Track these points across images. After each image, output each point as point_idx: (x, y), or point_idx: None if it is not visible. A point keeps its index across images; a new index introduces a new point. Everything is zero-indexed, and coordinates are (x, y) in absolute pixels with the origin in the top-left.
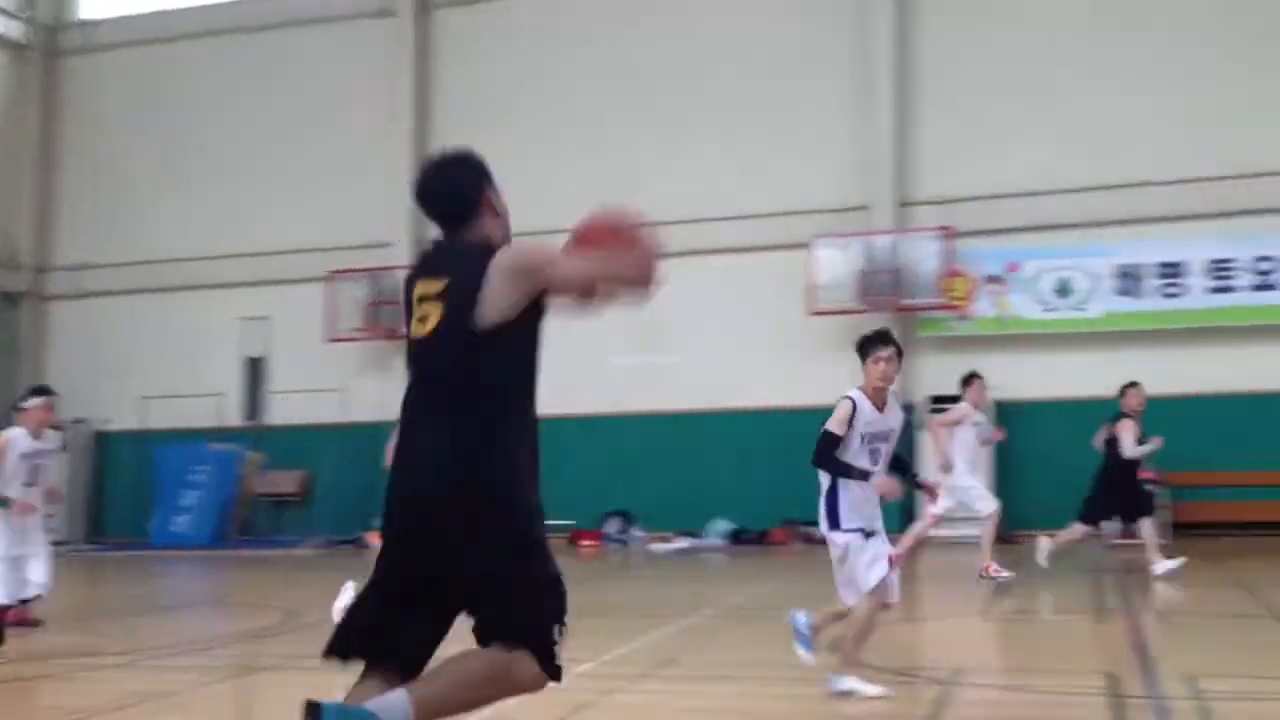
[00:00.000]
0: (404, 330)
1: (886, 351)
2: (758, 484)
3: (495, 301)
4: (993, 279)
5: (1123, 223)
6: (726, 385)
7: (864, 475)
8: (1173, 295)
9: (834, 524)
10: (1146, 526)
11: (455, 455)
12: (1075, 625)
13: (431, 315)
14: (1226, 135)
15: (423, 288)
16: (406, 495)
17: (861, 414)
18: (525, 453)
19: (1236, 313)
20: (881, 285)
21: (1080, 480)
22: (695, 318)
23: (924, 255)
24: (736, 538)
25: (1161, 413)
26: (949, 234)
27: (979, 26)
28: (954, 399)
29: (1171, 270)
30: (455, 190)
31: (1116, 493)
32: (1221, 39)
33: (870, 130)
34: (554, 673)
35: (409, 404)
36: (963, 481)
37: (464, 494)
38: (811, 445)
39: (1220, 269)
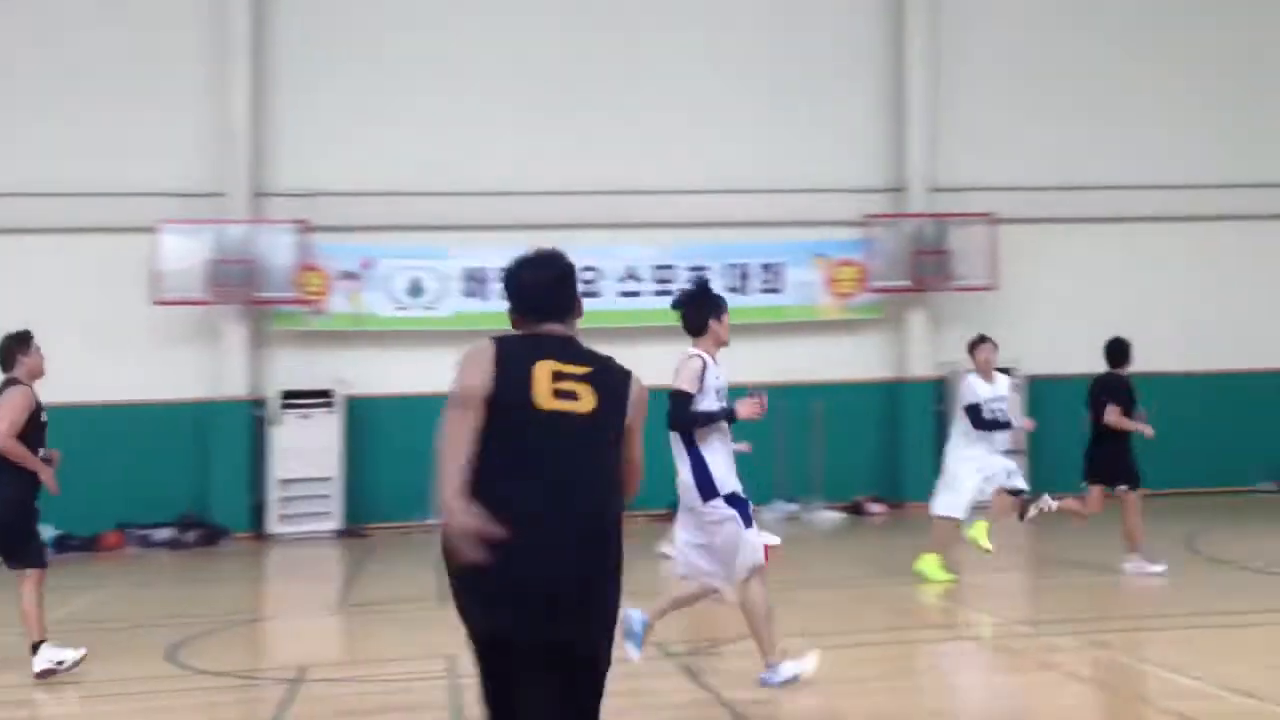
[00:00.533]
0: None
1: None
2: (88, 485)
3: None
4: (348, 275)
5: (472, 228)
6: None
7: (730, 414)
8: None
9: (710, 493)
10: None
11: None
12: (419, 612)
13: (584, 395)
14: (590, 148)
15: (557, 366)
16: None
17: (710, 369)
18: None
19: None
20: (233, 276)
21: (421, 471)
22: (16, 303)
23: (279, 248)
24: (61, 544)
25: None
26: (305, 228)
27: (338, 22)
28: (310, 394)
29: None
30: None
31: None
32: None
33: (224, 115)
34: None
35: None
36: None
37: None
38: (146, 442)
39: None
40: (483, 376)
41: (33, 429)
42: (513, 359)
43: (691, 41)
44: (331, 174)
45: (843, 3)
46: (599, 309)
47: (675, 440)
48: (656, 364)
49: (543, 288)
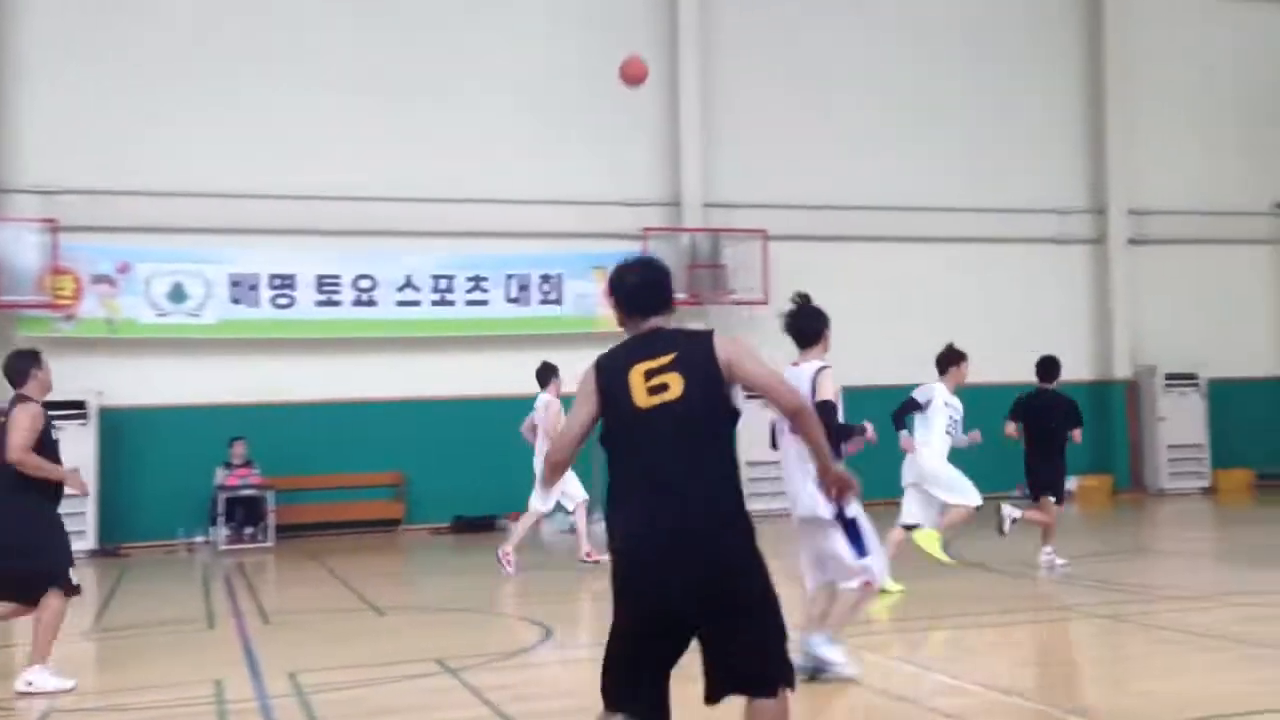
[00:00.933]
0: None
1: None
2: None
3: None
4: (102, 279)
5: (242, 232)
6: None
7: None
8: (284, 306)
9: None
10: None
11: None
12: (184, 635)
13: (673, 383)
14: (372, 155)
15: (647, 364)
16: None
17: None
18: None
19: (341, 325)
20: None
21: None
22: None
23: (24, 248)
24: None
25: (263, 420)
26: (53, 227)
27: (91, 8)
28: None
29: (283, 282)
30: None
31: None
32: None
33: None
34: None
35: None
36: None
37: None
38: None
39: (328, 283)
40: (589, 405)
41: (45, 445)
42: (611, 374)
43: (481, 55)
44: (83, 171)
45: (619, 20)
46: (376, 318)
47: (793, 449)
48: (434, 371)
49: (642, 289)
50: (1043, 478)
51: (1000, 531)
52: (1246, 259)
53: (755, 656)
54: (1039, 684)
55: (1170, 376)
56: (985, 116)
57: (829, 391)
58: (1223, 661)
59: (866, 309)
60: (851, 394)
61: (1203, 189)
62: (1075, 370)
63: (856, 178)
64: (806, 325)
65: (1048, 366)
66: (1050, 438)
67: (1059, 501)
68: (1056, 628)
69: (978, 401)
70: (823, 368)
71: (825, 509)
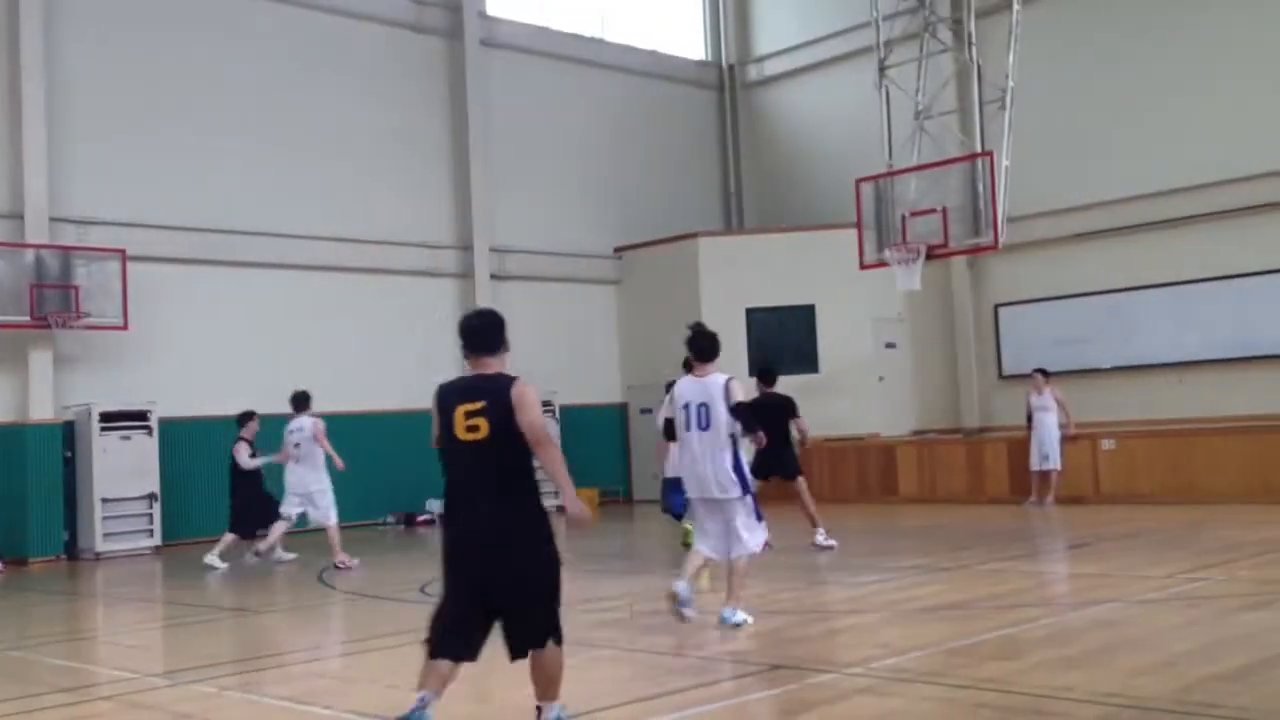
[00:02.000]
0: None
1: None
2: None
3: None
4: None
5: None
6: None
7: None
8: None
9: (745, 488)
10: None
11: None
12: None
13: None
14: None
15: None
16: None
17: None
18: None
19: None
20: None
21: None
22: None
23: None
24: None
25: None
26: None
27: None
28: None
29: None
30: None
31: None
32: None
33: None
34: None
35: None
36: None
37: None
38: None
39: None
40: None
41: None
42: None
43: None
44: None
45: None
46: None
47: (715, 439)
48: None
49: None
50: (787, 465)
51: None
52: (594, 297)
53: (534, 629)
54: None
55: (549, 404)
56: (358, 151)
57: (740, 394)
58: (574, 665)
59: (232, 335)
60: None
61: (556, 232)
62: None
63: (225, 201)
64: (709, 345)
65: (767, 374)
66: (780, 430)
67: (794, 478)
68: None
69: (351, 427)
70: (730, 378)
71: (735, 489)
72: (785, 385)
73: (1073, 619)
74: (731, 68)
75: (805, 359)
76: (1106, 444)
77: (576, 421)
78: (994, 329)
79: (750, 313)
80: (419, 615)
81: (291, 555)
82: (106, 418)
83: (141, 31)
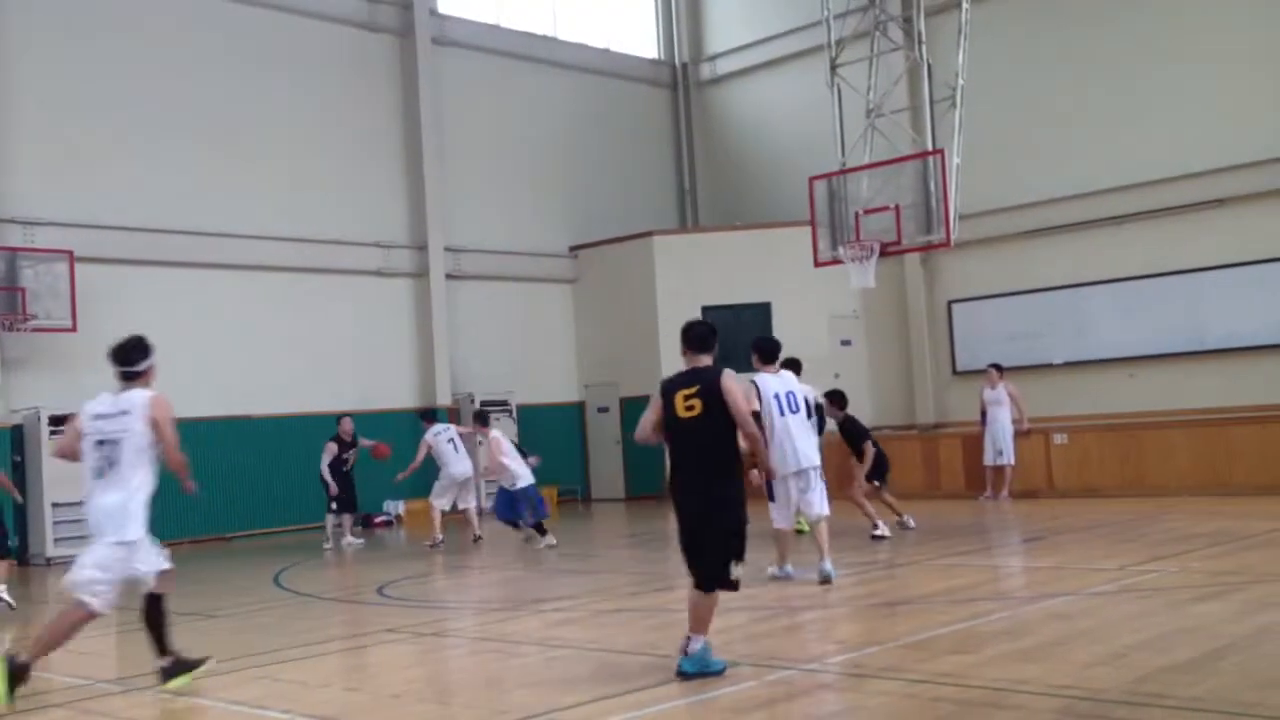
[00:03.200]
0: None
1: None
2: None
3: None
4: None
5: None
6: None
7: None
8: None
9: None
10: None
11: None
12: None
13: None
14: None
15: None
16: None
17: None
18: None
19: None
20: None
21: None
22: None
23: None
24: None
25: None
26: None
27: None
28: None
29: None
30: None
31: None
32: None
33: None
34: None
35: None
36: None
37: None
38: None
39: None
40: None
41: None
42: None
43: None
44: None
45: None
46: None
47: (803, 419)
48: None
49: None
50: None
51: None
52: (549, 296)
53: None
54: (359, 708)
55: (485, 403)
56: (310, 151)
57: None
58: (534, 664)
59: (184, 337)
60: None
61: (510, 231)
62: (401, 398)
63: (175, 202)
64: (775, 347)
65: (841, 397)
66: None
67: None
68: (385, 650)
69: (306, 428)
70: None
71: (819, 458)
72: (741, 383)
73: (1028, 612)
74: (684, 66)
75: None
76: (1059, 438)
77: (533, 421)
78: (947, 325)
79: (706, 311)
80: (377, 617)
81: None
82: (56, 421)
83: (89, 30)
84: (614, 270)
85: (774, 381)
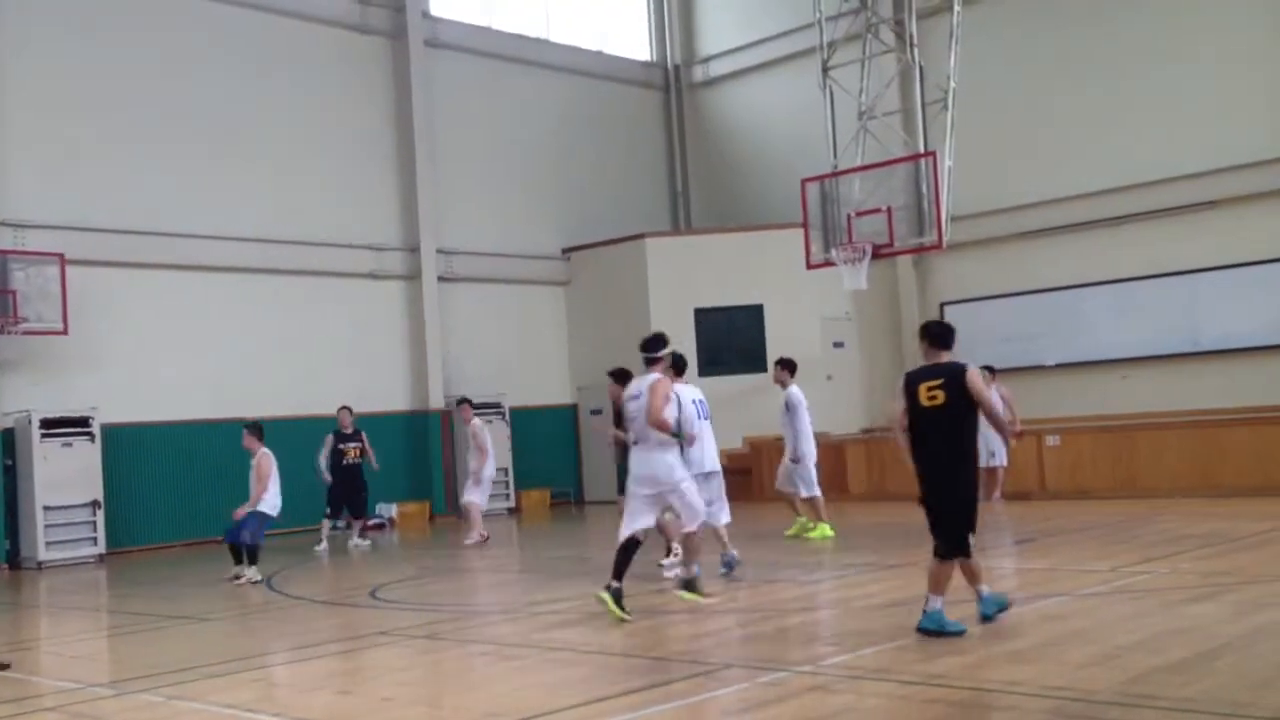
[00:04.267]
0: None
1: None
2: None
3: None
4: None
5: None
6: None
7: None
8: None
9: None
10: None
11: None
12: None
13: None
14: None
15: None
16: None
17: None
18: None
19: None
20: None
21: None
22: None
23: None
24: None
25: None
26: None
27: None
28: None
29: None
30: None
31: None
32: None
33: None
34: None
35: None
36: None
37: None
38: None
39: None
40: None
41: None
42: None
43: None
44: None
45: None
46: None
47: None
48: None
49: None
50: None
51: None
52: (541, 298)
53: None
54: (351, 712)
55: (479, 406)
56: (302, 154)
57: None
58: (527, 667)
59: (175, 340)
60: (169, 428)
61: (503, 233)
62: (393, 401)
63: (167, 204)
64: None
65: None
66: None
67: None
68: (377, 653)
69: (297, 431)
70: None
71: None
72: (733, 385)
73: (1020, 614)
74: (677, 68)
75: (754, 359)
76: (1052, 440)
77: (526, 423)
78: None
79: (699, 313)
80: (370, 620)
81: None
82: (47, 424)
83: (81, 31)
84: (606, 272)
85: (687, 390)
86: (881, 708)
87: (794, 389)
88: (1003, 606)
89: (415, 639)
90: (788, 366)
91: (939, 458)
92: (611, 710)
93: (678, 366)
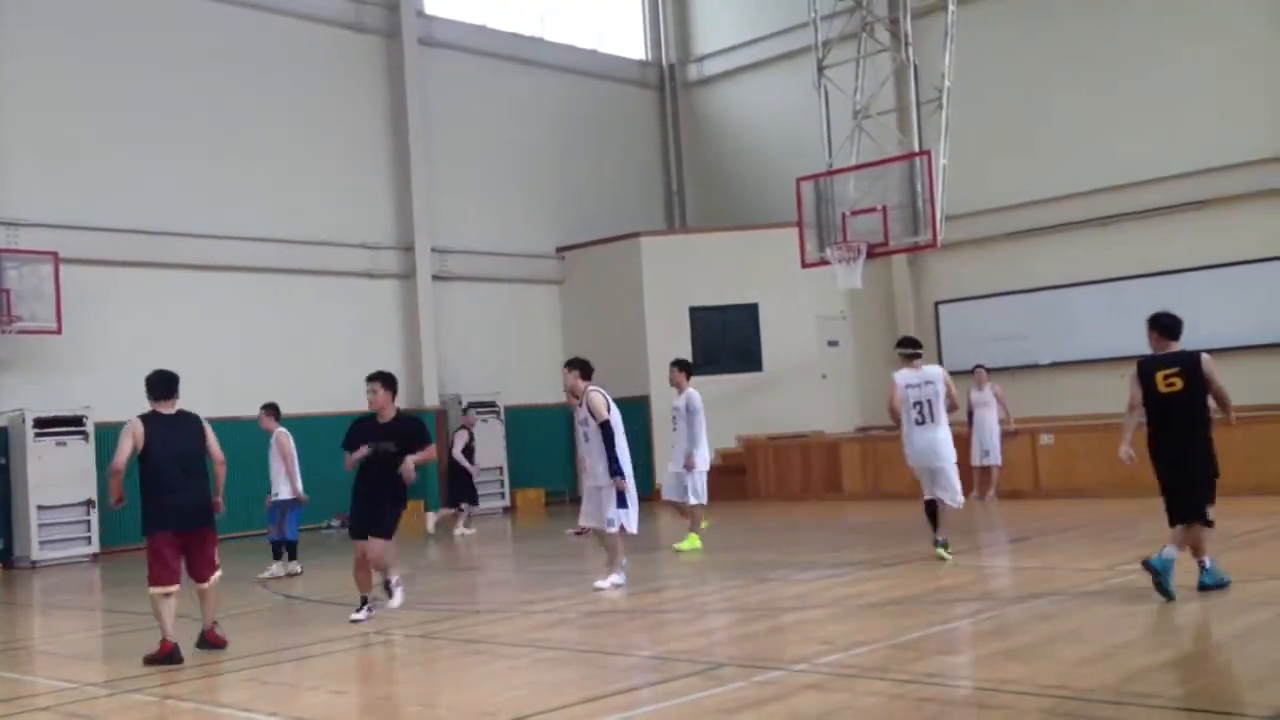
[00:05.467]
0: None
1: None
2: None
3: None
4: None
5: None
6: None
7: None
8: None
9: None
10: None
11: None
12: None
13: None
14: None
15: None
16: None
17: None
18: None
19: None
20: None
21: None
22: None
23: None
24: None
25: None
26: None
27: None
28: None
29: None
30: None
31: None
32: None
33: None
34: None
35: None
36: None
37: None
38: None
39: None
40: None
41: None
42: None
43: None
44: None
45: None
46: None
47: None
48: None
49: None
50: None
51: None
52: (536, 297)
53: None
54: (346, 711)
55: (474, 404)
56: (296, 152)
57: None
58: (520, 666)
59: (170, 338)
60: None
61: (498, 232)
62: None
63: (161, 203)
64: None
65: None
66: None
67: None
68: (372, 652)
69: (292, 430)
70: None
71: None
72: (729, 383)
73: (1015, 612)
74: (672, 67)
75: (749, 357)
76: (1045, 439)
77: (521, 422)
78: (934, 326)
79: (693, 311)
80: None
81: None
82: (41, 423)
83: (74, 31)
84: (601, 271)
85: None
86: (877, 706)
87: (692, 392)
88: (1222, 584)
89: (411, 638)
90: (685, 368)
91: (1182, 438)
92: (607, 709)
93: (585, 370)
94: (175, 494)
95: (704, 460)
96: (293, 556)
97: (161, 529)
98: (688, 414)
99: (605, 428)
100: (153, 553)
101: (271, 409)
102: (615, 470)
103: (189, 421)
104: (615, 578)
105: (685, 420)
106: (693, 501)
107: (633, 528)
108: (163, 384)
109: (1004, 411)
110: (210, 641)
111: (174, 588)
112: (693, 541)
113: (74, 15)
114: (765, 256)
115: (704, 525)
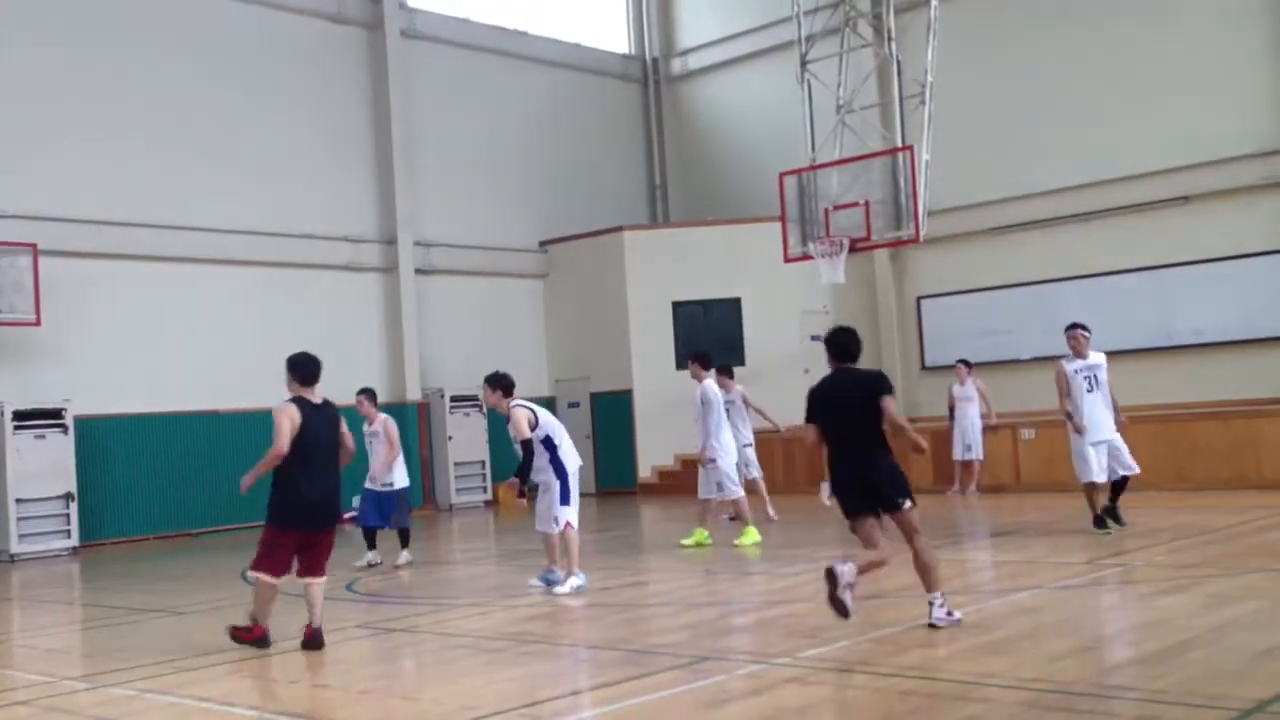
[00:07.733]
0: None
1: None
2: None
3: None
4: None
5: None
6: None
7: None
8: None
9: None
10: None
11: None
12: None
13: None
14: None
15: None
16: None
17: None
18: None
19: None
20: None
21: None
22: None
23: None
24: None
25: None
26: None
27: None
28: None
29: None
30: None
31: None
32: None
33: None
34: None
35: None
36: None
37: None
38: None
39: None
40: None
41: None
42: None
43: None
44: None
45: None
46: None
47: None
48: None
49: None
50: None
51: None
52: (519, 291)
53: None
54: (328, 705)
55: (455, 399)
56: (278, 145)
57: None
58: (505, 660)
59: (149, 331)
60: (143, 420)
61: (480, 226)
62: None
63: (141, 195)
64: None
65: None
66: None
67: None
68: (354, 645)
69: (267, 424)
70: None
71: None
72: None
73: (995, 606)
74: (655, 61)
75: (732, 352)
76: (1027, 434)
77: (503, 416)
78: (916, 321)
79: (677, 306)
80: (346, 613)
81: None
82: (19, 416)
83: (51, 20)
84: (584, 265)
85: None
86: (859, 700)
87: (707, 383)
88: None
89: (393, 632)
90: (700, 360)
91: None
92: (589, 703)
93: (506, 387)
94: (312, 488)
95: (723, 451)
96: (405, 544)
97: (292, 527)
98: (701, 406)
99: (526, 446)
100: (271, 545)
101: (370, 394)
102: (564, 495)
103: (331, 411)
104: (575, 580)
105: (702, 411)
106: (731, 492)
107: (575, 522)
108: (310, 368)
109: (986, 406)
110: (312, 641)
111: (281, 580)
112: (750, 535)
113: (51, 6)
114: (748, 251)
115: (706, 538)
